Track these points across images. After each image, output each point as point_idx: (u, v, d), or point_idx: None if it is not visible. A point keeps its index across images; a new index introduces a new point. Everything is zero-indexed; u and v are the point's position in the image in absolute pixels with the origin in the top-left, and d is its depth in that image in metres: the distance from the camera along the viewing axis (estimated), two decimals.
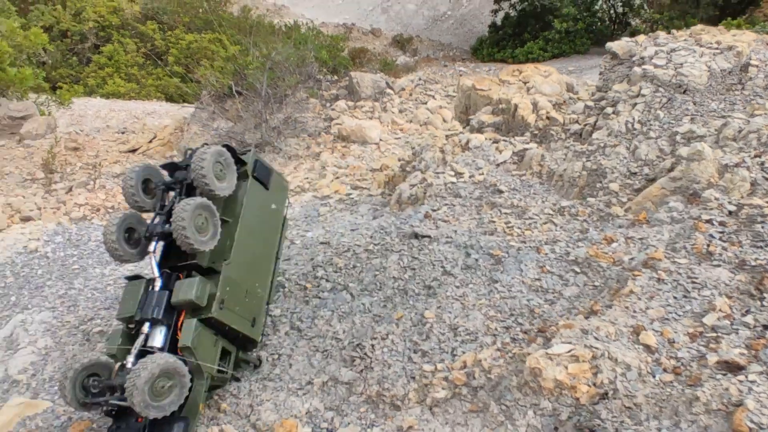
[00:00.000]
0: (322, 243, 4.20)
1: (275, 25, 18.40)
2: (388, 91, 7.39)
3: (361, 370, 3.08)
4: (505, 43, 19.28)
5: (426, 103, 7.14)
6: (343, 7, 21.68)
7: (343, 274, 3.75)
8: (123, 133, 8.77)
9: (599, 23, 18.50)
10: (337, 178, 5.97)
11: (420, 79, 7.71)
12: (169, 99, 15.14)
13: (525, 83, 5.56)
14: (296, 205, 5.14)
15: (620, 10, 18.75)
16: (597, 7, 18.55)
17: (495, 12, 19.68)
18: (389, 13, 21.76)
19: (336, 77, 7.71)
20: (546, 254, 3.45)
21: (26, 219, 6.65)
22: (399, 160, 5.94)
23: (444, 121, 6.79)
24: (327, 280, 3.75)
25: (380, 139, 6.52)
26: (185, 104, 9.50)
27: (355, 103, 7.17)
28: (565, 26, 17.61)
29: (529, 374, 2.60)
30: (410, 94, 7.35)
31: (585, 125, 4.60)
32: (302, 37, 18.26)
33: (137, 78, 15.34)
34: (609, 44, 5.26)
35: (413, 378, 2.96)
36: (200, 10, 16.98)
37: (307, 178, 6.06)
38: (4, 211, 6.77)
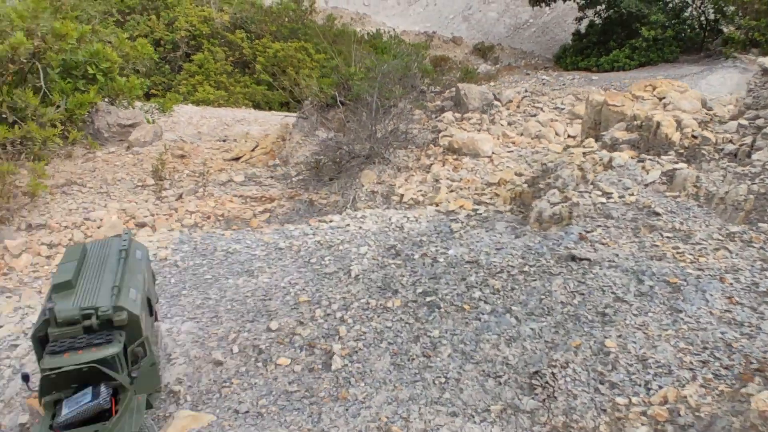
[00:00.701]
0: (469, 262, 4.15)
1: (358, 33, 18.57)
2: (496, 103, 7.31)
3: (544, 399, 3.01)
4: (589, 51, 18.88)
5: (535, 116, 7.03)
6: (424, 15, 21.70)
7: (502, 297, 3.69)
8: (224, 141, 8.93)
9: (689, 30, 17.89)
10: (451, 191, 5.93)
11: (526, 91, 7.60)
12: (256, 106, 15.42)
13: (660, 99, 5.38)
14: (421, 219, 5.10)
15: (712, 16, 18.12)
16: (687, 14, 17.98)
17: (579, 20, 19.30)
18: (470, 21, 21.67)
19: (440, 88, 7.67)
20: (731, 284, 3.31)
21: (141, 225, 6.83)
22: (516, 174, 5.85)
23: (556, 134, 6.66)
24: (486, 302, 3.70)
25: (492, 152, 6.44)
26: (288, 113, 9.61)
27: (462, 115, 7.12)
28: (653, 34, 17.10)
29: (758, 417, 2.48)
30: (518, 107, 7.26)
31: (741, 145, 4.42)
32: (384, 46, 18.37)
33: (225, 85, 15.66)
34: (761, 60, 5.04)
35: (603, 410, 2.86)
36: (286, 19, 17.25)
37: (421, 191, 6.03)
38: (120, 217, 6.97)
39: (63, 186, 7.72)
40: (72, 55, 8.57)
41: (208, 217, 6.85)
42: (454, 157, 6.46)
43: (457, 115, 7.19)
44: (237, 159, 8.30)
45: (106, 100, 9.00)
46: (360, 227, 4.94)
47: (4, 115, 7.79)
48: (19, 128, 7.63)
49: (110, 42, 9.32)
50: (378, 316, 3.70)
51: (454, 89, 7.63)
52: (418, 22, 21.55)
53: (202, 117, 11.96)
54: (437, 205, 5.49)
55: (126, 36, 9.47)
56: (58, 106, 8.17)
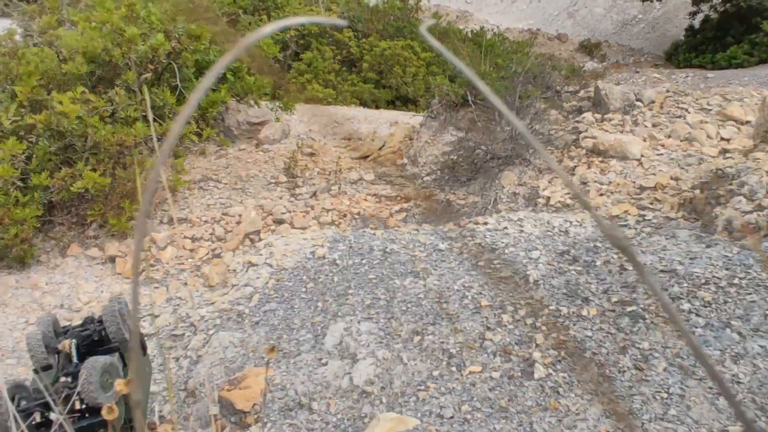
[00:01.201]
0: (663, 271, 4.02)
1: (462, 31, 18.47)
2: (638, 103, 7.08)
3: None
4: (704, 47, 18.15)
5: (681, 117, 6.77)
6: (527, 12, 21.38)
7: (715, 310, 3.55)
8: (349, 139, 9.01)
9: None
10: (601, 194, 5.77)
11: (668, 90, 7.33)
12: (363, 104, 15.55)
13: None
14: (586, 224, 4.99)
15: None
16: None
17: (692, 15, 18.59)
18: (575, 18, 21.20)
19: (577, 88, 7.49)
20: None
21: (279, 221, 6.96)
22: (672, 179, 5.63)
23: (708, 137, 6.38)
24: (697, 315, 3.57)
25: (641, 155, 6.24)
26: (416, 114, 9.62)
27: (602, 116, 6.92)
28: None
29: None
30: (661, 107, 7.00)
31: None
32: (489, 44, 18.19)
33: (333, 84, 15.84)
34: None
35: None
36: (391, 18, 17.31)
37: (568, 194, 5.90)
38: (257, 213, 7.13)
39: (200, 182, 7.98)
40: (204, 55, 8.83)
41: (344, 215, 6.92)
42: (600, 159, 6.28)
43: (597, 115, 7.00)
44: (365, 158, 8.36)
45: (235, 98, 9.23)
46: (520, 231, 4.87)
47: (143, 113, 8.10)
48: (159, 126, 7.92)
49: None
50: (574, 325, 3.62)
51: (591, 89, 7.43)
52: (521, 19, 21.25)
53: (313, 115, 12.13)
54: (596, 209, 5.34)
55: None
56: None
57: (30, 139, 7.24)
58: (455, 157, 7.49)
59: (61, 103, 7.12)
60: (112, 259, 6.90)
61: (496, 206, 6.21)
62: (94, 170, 7.20)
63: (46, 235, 7.15)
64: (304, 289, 4.55)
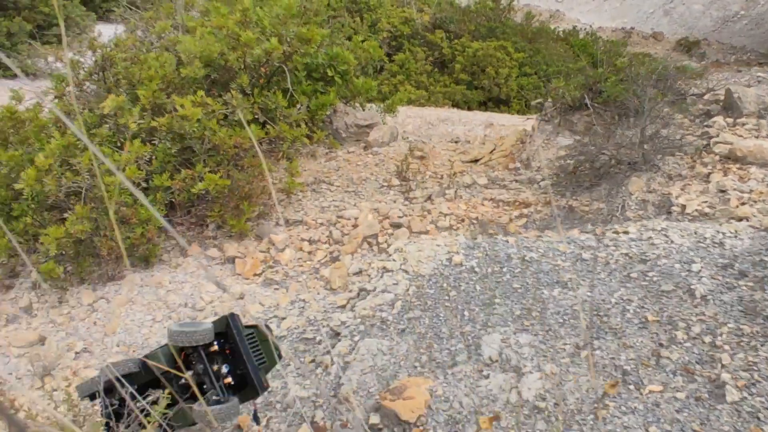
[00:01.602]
0: None
1: (554, 30, 18.13)
2: None
3: None
4: None
5: None
6: (620, 10, 20.82)
7: None
8: (456, 142, 8.92)
9: None
10: (743, 203, 5.50)
11: None
12: (455, 105, 15.47)
13: None
14: (742, 235, 4.75)
15: None
16: None
17: None
18: (672, 15, 20.51)
19: (703, 91, 7.19)
20: None
21: (396, 225, 6.94)
22: None
23: None
24: None
25: None
26: (529, 116, 9.46)
27: (734, 120, 6.62)
28: None
29: None
30: None
31: None
32: (581, 43, 17.76)
33: (425, 85, 15.80)
34: None
35: None
36: (483, 18, 17.16)
37: (706, 202, 5.66)
38: (374, 216, 7.12)
39: (312, 184, 8.05)
40: (313, 58, 8.91)
41: (462, 220, 6.85)
42: (738, 166, 6.00)
43: (729, 120, 6.70)
44: (476, 161, 8.26)
45: (342, 101, 9.28)
46: (668, 241, 4.68)
47: (255, 116, 8.21)
48: (272, 128, 8.02)
49: (341, 44, 9.64)
50: (762, 345, 3.44)
51: (719, 91, 7.12)
52: (614, 18, 20.70)
53: (406, 116, 12.09)
54: (746, 220, 5.10)
55: (361, 39, 9.72)
56: (300, 107, 8.50)
57: (152, 142, 7.45)
58: (572, 162, 7.31)
59: (182, 106, 7.29)
60: (231, 260, 7.02)
61: (624, 213, 6.01)
62: (213, 172, 7.35)
63: (167, 235, 7.33)
64: (446, 297, 4.49)
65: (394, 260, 5.14)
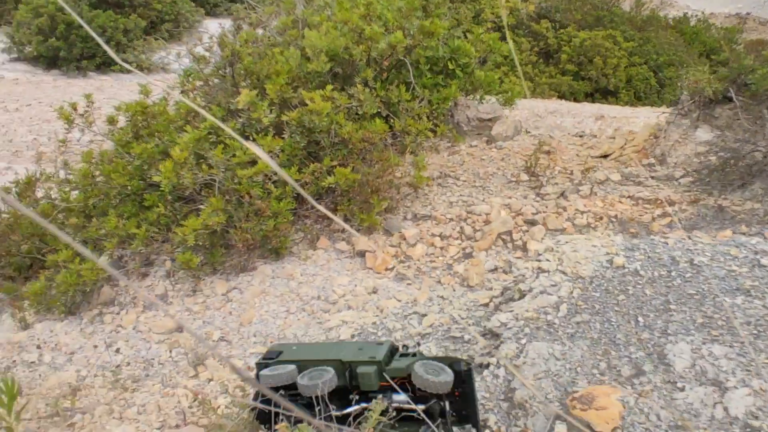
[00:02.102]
0: None
1: (664, 18, 17.40)
2: None
3: None
4: None
5: None
6: None
7: None
8: (581, 136, 8.63)
9: None
10: None
11: None
12: (561, 96, 15.08)
13: None
14: None
15: None
16: None
17: None
18: None
19: None
20: None
21: (530, 222, 6.75)
22: None
23: None
24: None
25: None
26: (664, 110, 9.08)
27: None
28: None
29: None
30: None
31: None
32: (693, 31, 16.97)
33: (531, 76, 15.44)
34: None
35: None
36: (589, 7, 16.62)
37: None
38: (506, 212, 6.95)
39: (437, 178, 7.95)
40: (434, 51, 8.78)
41: (600, 218, 6.60)
42: None
43: None
44: (605, 156, 7.97)
45: (463, 94, 9.13)
46: None
47: (378, 110, 8.14)
48: (397, 122, 7.94)
49: (460, 37, 9.47)
50: None
51: None
52: (726, 4, 19.68)
53: (511, 108, 11.80)
54: None
55: (482, 31, 9.53)
56: (421, 100, 8.40)
57: (281, 136, 7.50)
58: (715, 158, 6.94)
59: (312, 100, 7.30)
60: (361, 254, 7.00)
61: None
62: (342, 166, 7.35)
63: (296, 228, 7.38)
64: (615, 302, 4.30)
65: (548, 260, 4.98)
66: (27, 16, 15.24)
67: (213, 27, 18.87)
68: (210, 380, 4.86)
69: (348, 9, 8.34)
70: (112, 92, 15.05)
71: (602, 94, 15.20)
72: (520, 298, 4.65)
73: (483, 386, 4.01)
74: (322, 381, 2.53)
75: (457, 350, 5.10)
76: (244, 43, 8.13)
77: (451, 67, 8.84)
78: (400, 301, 6.15)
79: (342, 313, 6.23)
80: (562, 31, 15.61)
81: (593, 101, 15.30)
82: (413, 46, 8.57)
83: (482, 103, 9.41)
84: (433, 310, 5.82)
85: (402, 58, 8.40)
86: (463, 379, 2.68)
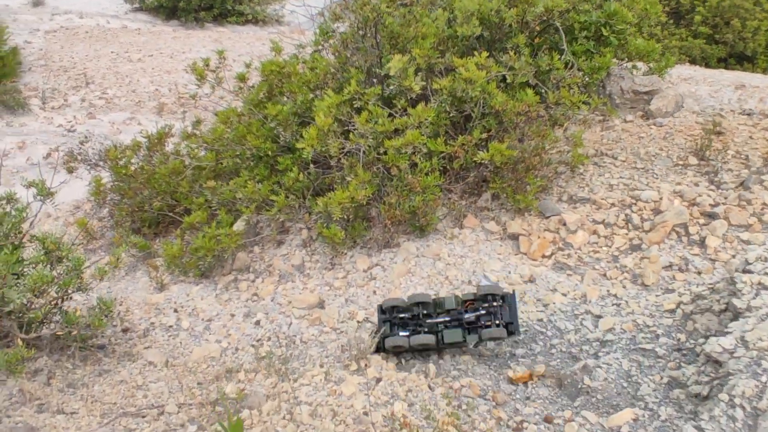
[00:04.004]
0: None
1: None
2: None
3: None
4: None
5: None
6: None
7: None
8: (749, 115, 7.57)
9: None
10: None
11: None
12: (692, 61, 13.73)
13: None
14: None
15: None
16: None
17: None
18: None
19: None
20: None
21: (709, 215, 5.89)
22: None
23: None
24: None
25: None
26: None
27: None
28: None
29: None
30: None
31: None
32: None
33: (659, 37, 14.06)
34: None
35: None
36: None
37: None
38: (679, 201, 6.09)
39: (592, 157, 7.12)
40: (587, 16, 7.83)
41: None
42: None
43: None
44: None
45: (617, 63, 8.19)
46: None
47: (527, 80, 7.31)
48: (551, 94, 7.11)
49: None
50: None
51: None
52: None
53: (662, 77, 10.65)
54: None
55: None
56: (571, 68, 7.51)
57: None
58: None
59: (465, 68, 6.56)
60: (513, 237, 6.32)
61: None
62: (494, 138, 6.64)
63: (440, 203, 6.74)
64: None
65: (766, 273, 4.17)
66: None
67: None
68: (378, 380, 4.33)
69: None
70: (230, 44, 14.63)
71: (737, 59, 13.77)
72: (735, 318, 3.88)
73: (716, 427, 3.32)
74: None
75: (651, 366, 4.40)
76: (392, 5, 7.38)
77: (605, 33, 7.89)
78: (565, 295, 5.46)
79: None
80: None
81: (725, 67, 13.89)
82: (567, 10, 7.66)
83: (633, 73, 8.43)
84: (608, 311, 5.11)
85: (554, 22, 7.51)
86: (510, 301, 4.59)
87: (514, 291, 4.72)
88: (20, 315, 5.12)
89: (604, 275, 5.64)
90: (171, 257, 6.81)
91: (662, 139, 7.00)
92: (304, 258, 6.67)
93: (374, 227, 6.73)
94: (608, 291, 5.32)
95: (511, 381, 4.52)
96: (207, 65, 8.07)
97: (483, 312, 4.48)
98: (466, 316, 4.47)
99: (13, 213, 5.51)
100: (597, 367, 4.39)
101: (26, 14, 15.62)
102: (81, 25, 15.35)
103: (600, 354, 4.61)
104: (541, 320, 5.16)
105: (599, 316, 5.00)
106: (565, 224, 6.06)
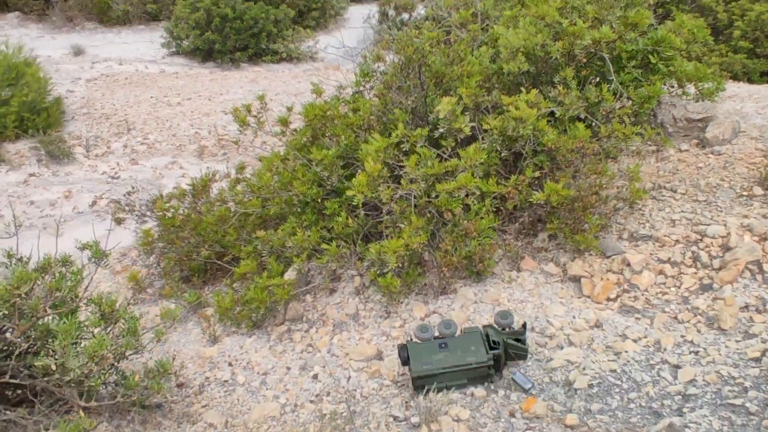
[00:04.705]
0: None
1: None
2: None
3: None
4: None
5: None
6: None
7: None
8: None
9: None
10: None
11: None
12: (733, 77, 13.32)
13: None
14: None
15: None
16: None
17: None
18: None
19: None
20: None
21: None
22: None
23: None
24: None
25: None
26: None
27: None
28: None
29: None
30: None
31: None
32: None
33: (698, 56, 13.65)
34: None
35: None
36: None
37: None
38: (748, 236, 5.76)
39: (650, 190, 6.82)
40: (634, 44, 7.57)
41: None
42: None
43: None
44: None
45: (668, 91, 7.90)
46: None
47: (577, 114, 7.05)
48: (604, 127, 6.84)
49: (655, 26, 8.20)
50: None
51: None
52: None
53: (713, 101, 10.32)
54: None
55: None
56: (620, 97, 7.24)
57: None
58: None
59: (516, 107, 6.35)
60: (574, 279, 6.03)
61: None
62: (548, 177, 6.40)
63: (497, 248, 6.49)
64: None
65: None
66: (185, 11, 15.04)
67: (358, 12, 18.21)
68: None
69: (544, 2, 7.28)
70: (266, 83, 14.64)
71: None
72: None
73: None
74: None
75: (745, 425, 4.07)
76: (435, 44, 7.23)
77: (653, 60, 7.61)
78: (636, 341, 5.15)
79: (564, 350, 5.31)
80: (733, 4, 13.80)
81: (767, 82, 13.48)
82: (614, 40, 7.41)
83: (683, 98, 8.13)
84: (687, 359, 4.79)
85: (602, 53, 7.26)
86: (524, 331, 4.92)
87: (524, 323, 5.17)
88: (80, 383, 4.99)
89: (676, 318, 5.33)
90: (223, 310, 6.67)
91: (722, 168, 6.68)
92: (358, 306, 6.48)
93: (428, 272, 6.51)
94: (683, 337, 5.01)
95: None
96: (249, 111, 7.98)
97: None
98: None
99: (69, 276, 5.42)
100: (685, 427, 4.07)
101: (68, 64, 15.86)
102: (120, 72, 15.52)
103: (684, 410, 4.29)
104: (614, 371, 4.86)
105: (677, 366, 4.70)
106: (629, 264, 5.77)
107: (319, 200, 7.14)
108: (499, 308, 5.92)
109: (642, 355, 4.97)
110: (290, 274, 6.93)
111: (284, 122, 8.05)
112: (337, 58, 13.28)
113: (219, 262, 7.65)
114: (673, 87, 7.87)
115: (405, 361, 4.97)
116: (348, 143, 7.21)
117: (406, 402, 5.10)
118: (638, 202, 6.46)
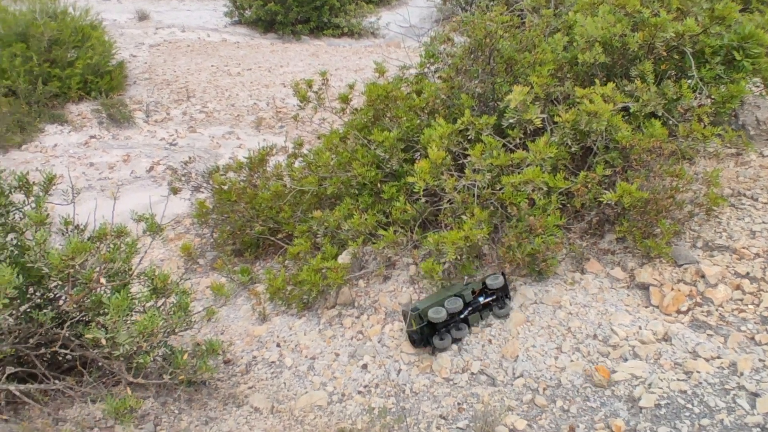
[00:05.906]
0: None
1: None
2: None
3: None
4: None
5: None
6: None
7: None
8: None
9: None
10: None
11: None
12: None
13: None
14: None
15: None
16: None
17: None
18: None
19: None
20: None
21: None
22: None
23: None
24: None
25: None
26: None
27: None
28: None
29: None
30: None
31: None
32: None
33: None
34: None
35: None
36: None
37: None
38: None
39: (729, 197, 6.28)
40: (719, 39, 6.95)
41: None
42: None
43: None
44: None
45: (753, 92, 7.27)
46: None
47: (653, 111, 6.51)
48: (683, 127, 6.31)
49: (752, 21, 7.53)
50: None
51: None
52: None
53: None
54: None
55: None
56: (700, 93, 6.66)
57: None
58: None
59: (590, 100, 5.87)
60: (642, 286, 5.58)
61: None
62: (620, 175, 5.93)
63: (562, 247, 6.05)
64: None
65: None
66: None
67: None
68: None
69: None
70: (327, 57, 14.28)
71: None
72: None
73: None
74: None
75: None
76: (508, 29, 6.75)
77: (738, 57, 6.99)
78: (709, 361, 4.71)
79: (628, 363, 4.89)
80: None
81: None
82: (697, 33, 6.82)
83: (765, 97, 7.49)
84: (766, 388, 4.33)
85: (685, 47, 6.68)
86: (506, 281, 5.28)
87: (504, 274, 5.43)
88: (129, 358, 4.81)
89: (753, 339, 4.86)
90: (275, 289, 6.44)
91: None
92: (412, 296, 6.16)
93: (486, 267, 6.14)
94: (762, 361, 4.55)
95: None
96: (310, 86, 7.66)
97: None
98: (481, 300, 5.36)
99: (124, 248, 5.21)
100: None
101: (132, 28, 15.77)
102: (183, 39, 15.36)
103: None
104: (684, 392, 4.45)
105: (756, 394, 4.25)
106: (703, 276, 5.29)
107: (378, 183, 6.83)
108: (560, 311, 5.54)
109: (716, 377, 4.54)
110: (344, 258, 6.64)
111: (345, 99, 7.70)
112: (398, 36, 12.83)
113: (272, 239, 7.44)
114: (757, 86, 7.24)
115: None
116: (410, 126, 6.85)
117: (459, 404, 4.78)
118: (715, 208, 5.94)
